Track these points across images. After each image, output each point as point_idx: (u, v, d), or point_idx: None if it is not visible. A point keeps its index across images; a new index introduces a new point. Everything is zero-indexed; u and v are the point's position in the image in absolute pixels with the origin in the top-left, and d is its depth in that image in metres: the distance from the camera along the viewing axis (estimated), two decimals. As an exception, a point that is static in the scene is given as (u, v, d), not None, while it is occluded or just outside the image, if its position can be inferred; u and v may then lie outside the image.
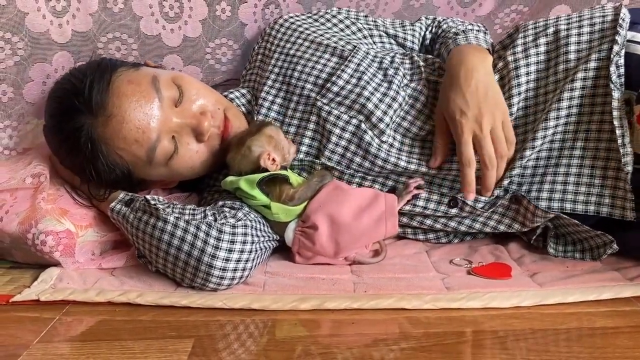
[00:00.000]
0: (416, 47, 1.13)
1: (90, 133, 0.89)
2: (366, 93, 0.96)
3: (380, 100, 0.96)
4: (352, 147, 0.96)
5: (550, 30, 0.94)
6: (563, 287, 0.81)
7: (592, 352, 0.66)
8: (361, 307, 0.77)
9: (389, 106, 0.96)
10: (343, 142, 0.96)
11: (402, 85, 0.98)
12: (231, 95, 1.05)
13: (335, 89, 0.97)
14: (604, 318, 0.74)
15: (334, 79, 0.97)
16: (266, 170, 0.90)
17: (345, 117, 0.96)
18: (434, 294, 0.80)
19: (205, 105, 0.95)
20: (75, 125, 0.89)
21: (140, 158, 0.91)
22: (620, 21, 0.88)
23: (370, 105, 0.96)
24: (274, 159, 0.90)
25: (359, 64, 0.98)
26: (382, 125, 0.95)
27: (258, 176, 0.89)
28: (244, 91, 1.07)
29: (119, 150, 0.90)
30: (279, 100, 1.01)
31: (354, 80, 0.97)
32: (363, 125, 0.95)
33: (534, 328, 0.72)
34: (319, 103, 0.97)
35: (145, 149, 0.90)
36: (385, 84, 0.97)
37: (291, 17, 1.09)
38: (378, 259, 0.91)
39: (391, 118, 0.96)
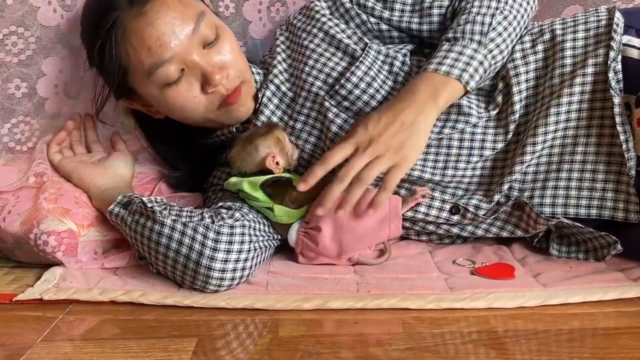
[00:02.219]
0: (435, 40, 1.01)
1: (118, 16, 0.89)
2: (374, 103, 0.95)
3: None
4: None
5: (547, 36, 0.94)
6: (567, 288, 0.80)
7: (596, 353, 0.66)
8: (364, 307, 0.77)
9: None
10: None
11: None
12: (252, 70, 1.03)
13: (343, 92, 0.96)
14: (608, 318, 0.74)
15: (342, 81, 0.95)
16: (269, 172, 0.90)
17: (352, 121, 0.95)
18: (437, 294, 0.79)
19: (229, 65, 0.93)
20: (112, 2, 0.90)
21: (142, 66, 0.90)
22: (615, 26, 0.89)
23: None
24: (277, 162, 0.90)
25: (369, 67, 0.96)
26: None
27: (261, 178, 0.88)
28: (256, 70, 1.04)
29: (130, 47, 0.90)
30: (284, 88, 1.00)
31: (363, 85, 0.95)
32: None
33: (538, 328, 0.71)
34: (326, 104, 0.96)
35: (153, 61, 0.90)
36: (395, 93, 0.96)
37: (314, 6, 1.04)
38: (381, 260, 0.91)
39: None
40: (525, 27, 0.96)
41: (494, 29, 0.91)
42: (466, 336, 0.70)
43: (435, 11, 1.00)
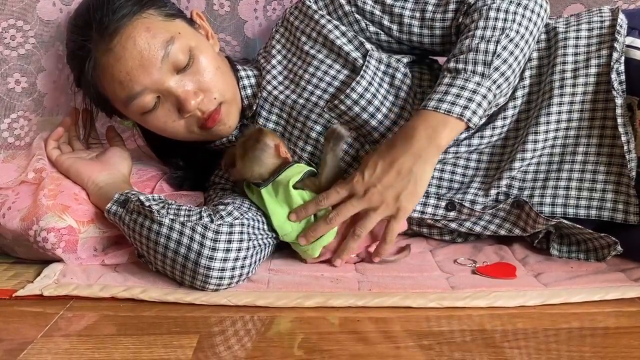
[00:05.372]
0: (437, 48, 0.99)
1: (90, 49, 0.91)
2: (374, 122, 0.94)
3: (389, 129, 0.94)
4: (355, 165, 0.95)
5: (550, 34, 0.94)
6: (568, 287, 0.81)
7: (597, 352, 0.66)
8: (366, 305, 0.77)
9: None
10: (346, 160, 0.96)
11: (413, 107, 0.95)
12: (242, 73, 1.02)
13: (342, 107, 0.94)
14: (609, 318, 0.74)
15: (342, 97, 0.94)
16: (280, 167, 0.88)
17: (349, 139, 0.95)
18: (439, 293, 0.80)
19: (204, 88, 0.93)
20: (83, 34, 0.91)
21: (118, 97, 0.93)
22: (618, 27, 0.89)
23: (376, 135, 0.95)
24: (286, 150, 0.90)
25: (370, 83, 0.93)
26: None
27: (293, 177, 0.87)
28: (252, 73, 1.03)
29: (104, 81, 0.92)
30: (277, 92, 0.99)
31: (363, 102, 0.93)
32: (367, 147, 0.95)
33: (539, 328, 0.72)
34: (326, 115, 0.96)
35: (126, 94, 0.91)
36: (397, 110, 0.95)
37: (307, 0, 1.01)
38: (400, 257, 0.91)
39: None
40: (539, 36, 0.93)
41: (498, 56, 0.85)
42: (467, 335, 0.70)
43: (438, 24, 0.95)
